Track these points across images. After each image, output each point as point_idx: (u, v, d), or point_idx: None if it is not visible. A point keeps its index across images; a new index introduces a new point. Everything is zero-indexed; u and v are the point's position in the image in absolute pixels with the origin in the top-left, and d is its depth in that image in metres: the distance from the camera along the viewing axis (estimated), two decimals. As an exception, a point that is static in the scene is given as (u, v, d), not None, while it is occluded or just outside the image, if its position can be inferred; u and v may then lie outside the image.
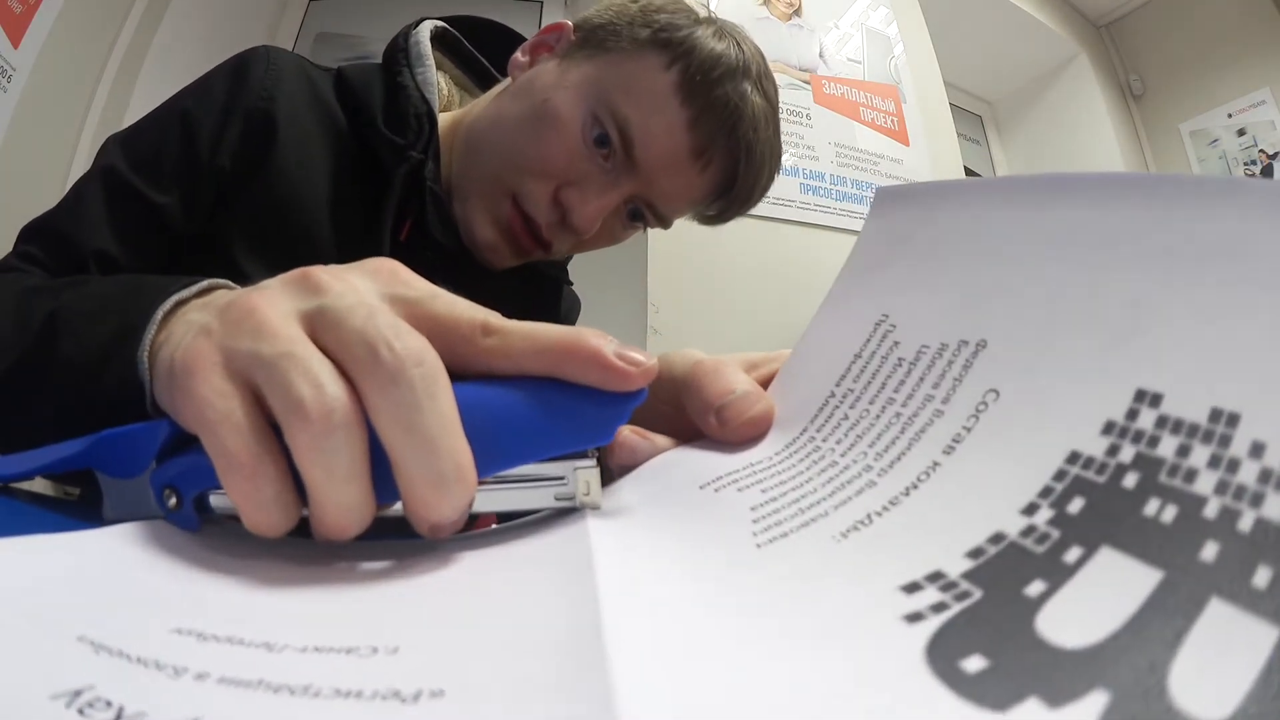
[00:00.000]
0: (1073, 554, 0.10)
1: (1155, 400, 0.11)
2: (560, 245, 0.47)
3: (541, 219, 0.45)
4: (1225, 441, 0.09)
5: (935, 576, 0.11)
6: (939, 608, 0.10)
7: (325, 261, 0.46)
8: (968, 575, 0.11)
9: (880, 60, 1.88)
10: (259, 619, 0.13)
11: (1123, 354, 0.12)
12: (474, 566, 0.17)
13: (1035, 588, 0.10)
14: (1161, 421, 0.10)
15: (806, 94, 1.72)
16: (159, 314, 0.23)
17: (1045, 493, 0.11)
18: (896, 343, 0.19)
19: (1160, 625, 0.08)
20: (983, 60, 2.49)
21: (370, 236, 0.45)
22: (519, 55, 0.49)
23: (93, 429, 0.20)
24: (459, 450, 0.17)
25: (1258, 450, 0.09)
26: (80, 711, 0.09)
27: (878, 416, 0.17)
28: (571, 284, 0.60)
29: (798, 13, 1.80)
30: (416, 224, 0.46)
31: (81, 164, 1.34)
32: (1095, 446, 0.11)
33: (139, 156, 0.43)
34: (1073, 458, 0.11)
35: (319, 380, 0.16)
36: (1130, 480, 0.10)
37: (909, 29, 1.96)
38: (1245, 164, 2.35)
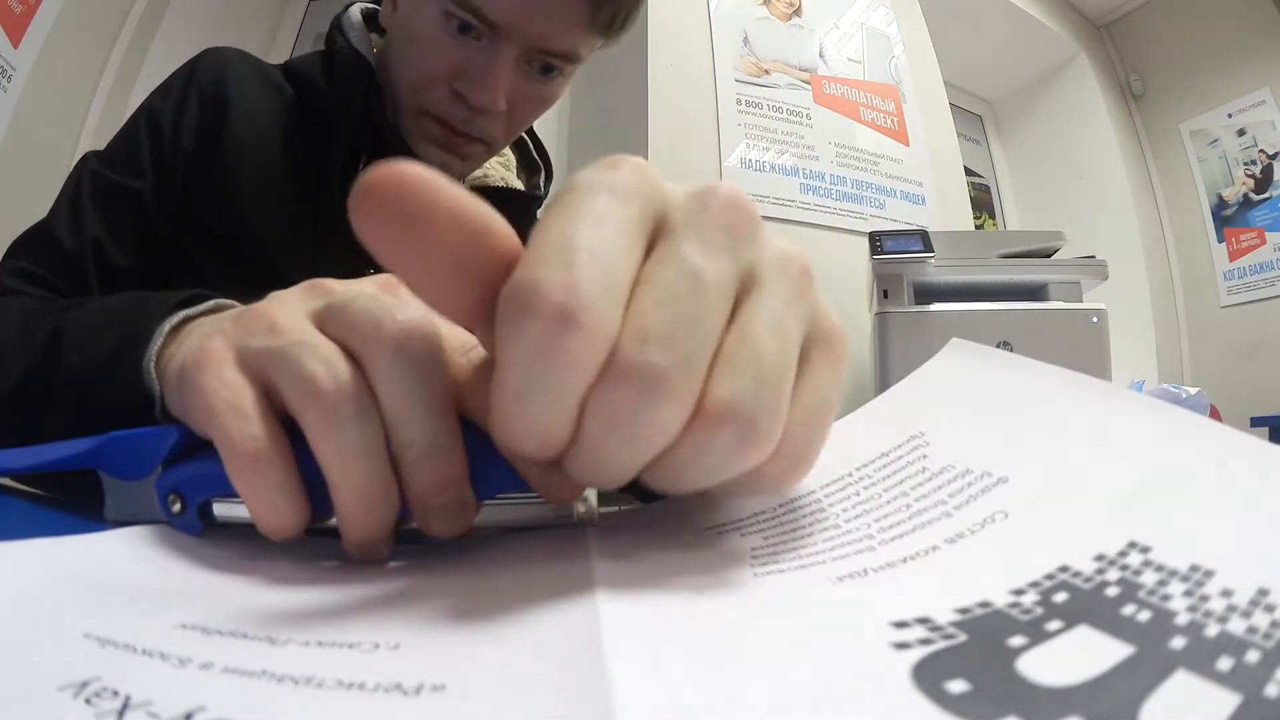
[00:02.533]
0: (1053, 625, 0.11)
1: (1145, 549, 0.13)
2: (492, 131, 0.49)
3: (454, 118, 0.48)
4: (1199, 584, 0.12)
5: (923, 620, 0.12)
6: (925, 642, 0.11)
7: (289, 215, 0.48)
8: (954, 624, 0.12)
9: (880, 60, 1.88)
10: (262, 616, 0.13)
11: (1125, 515, 0.14)
12: (474, 569, 0.18)
13: (1016, 641, 0.11)
14: (1147, 563, 0.13)
15: (806, 94, 1.72)
16: (166, 325, 0.24)
17: (1034, 584, 0.13)
18: (925, 455, 0.20)
19: (1131, 682, 0.10)
20: (983, 60, 2.50)
21: (324, 184, 0.48)
22: (383, 8, 0.52)
23: None
24: (453, 420, 0.17)
25: (1227, 593, 0.11)
26: (87, 701, 0.09)
27: (889, 502, 0.19)
28: (545, 198, 0.61)
29: (798, 13, 1.80)
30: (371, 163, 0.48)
31: (82, 164, 1.34)
32: (1085, 566, 0.13)
33: (115, 158, 0.47)
34: (1063, 568, 0.13)
35: (330, 359, 0.17)
36: (1112, 591, 0.12)
37: (909, 29, 1.96)
38: (1245, 164, 2.35)
